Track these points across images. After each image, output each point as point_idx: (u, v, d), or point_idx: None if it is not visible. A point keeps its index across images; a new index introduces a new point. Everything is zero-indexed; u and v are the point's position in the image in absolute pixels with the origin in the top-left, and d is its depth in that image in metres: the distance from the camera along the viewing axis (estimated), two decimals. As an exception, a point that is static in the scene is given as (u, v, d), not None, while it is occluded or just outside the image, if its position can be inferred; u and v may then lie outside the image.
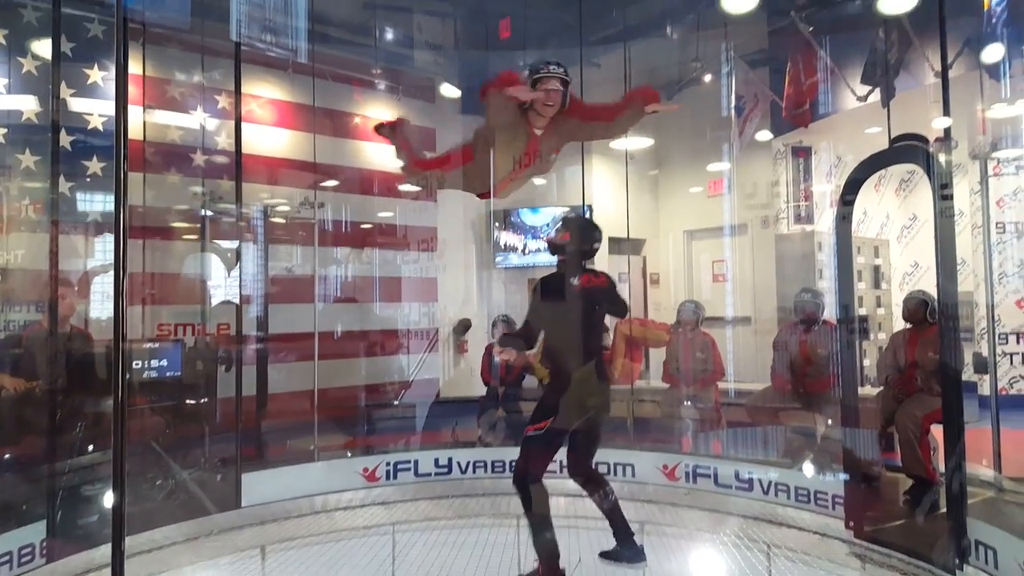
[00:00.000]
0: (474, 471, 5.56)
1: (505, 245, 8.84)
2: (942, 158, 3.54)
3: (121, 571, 1.91)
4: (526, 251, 8.80)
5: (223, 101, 6.56)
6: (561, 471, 5.32)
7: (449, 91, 8.02)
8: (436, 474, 5.51)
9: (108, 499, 4.28)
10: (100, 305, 5.45)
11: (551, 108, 3.22)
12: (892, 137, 3.94)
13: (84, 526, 4.03)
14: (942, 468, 4.15)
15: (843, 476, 4.32)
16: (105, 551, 3.79)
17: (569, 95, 3.29)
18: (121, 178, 1.95)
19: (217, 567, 4.04)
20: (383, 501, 5.20)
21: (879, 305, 8.55)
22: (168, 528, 4.29)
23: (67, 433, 4.20)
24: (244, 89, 5.48)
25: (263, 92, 7.09)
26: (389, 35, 7.44)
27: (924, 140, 3.57)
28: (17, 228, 5.10)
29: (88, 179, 5.70)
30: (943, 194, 3.39)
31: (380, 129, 3.81)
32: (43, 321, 4.40)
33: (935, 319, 4.71)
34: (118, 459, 1.91)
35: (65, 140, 5.20)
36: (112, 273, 5.75)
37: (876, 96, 5.75)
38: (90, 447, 4.41)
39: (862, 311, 8.07)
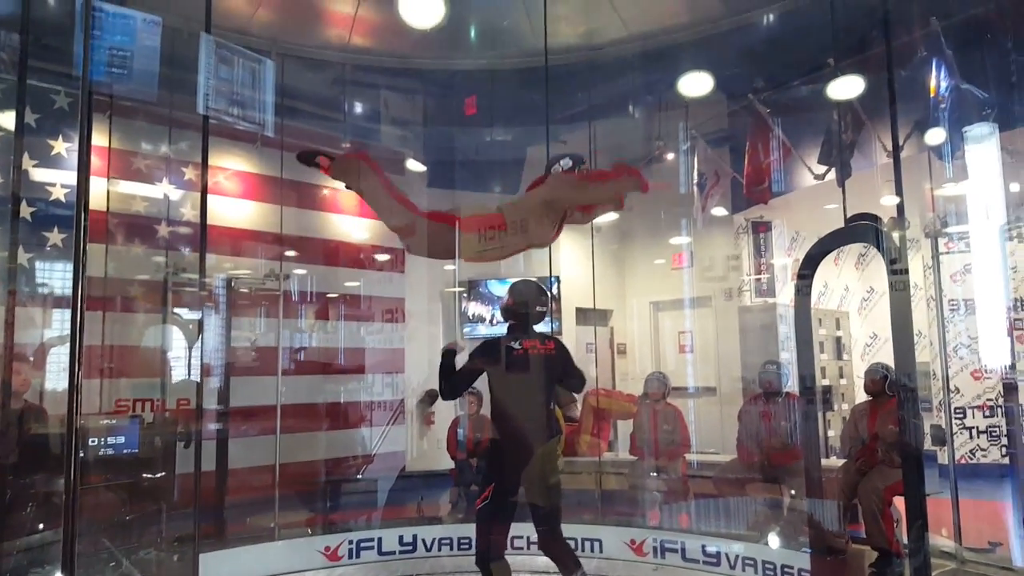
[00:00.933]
0: (439, 549, 5.40)
1: (473, 315, 8.85)
2: (895, 235, 3.66)
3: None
4: (494, 321, 8.81)
5: (189, 173, 6.58)
6: (529, 547, 5.26)
7: (416, 166, 8.15)
8: (400, 552, 5.34)
9: None
10: (56, 377, 5.29)
11: None
12: (847, 217, 4.09)
13: None
14: (905, 539, 4.17)
15: (808, 550, 4.28)
16: None
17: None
18: (80, 249, 1.92)
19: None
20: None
21: (841, 376, 8.68)
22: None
23: (17, 512, 4.04)
24: (211, 161, 5.48)
25: (230, 164, 7.12)
26: (357, 110, 7.58)
27: (876, 219, 3.70)
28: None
29: (48, 249, 5.62)
30: (894, 269, 3.50)
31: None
32: (-4, 397, 4.25)
33: (893, 391, 4.80)
34: (68, 539, 1.80)
35: (25, 211, 5.14)
36: (64, 347, 5.60)
37: (833, 175, 5.99)
38: (40, 526, 4.24)
39: (825, 382, 8.18)
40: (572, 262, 8.43)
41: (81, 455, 4.39)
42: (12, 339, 3.84)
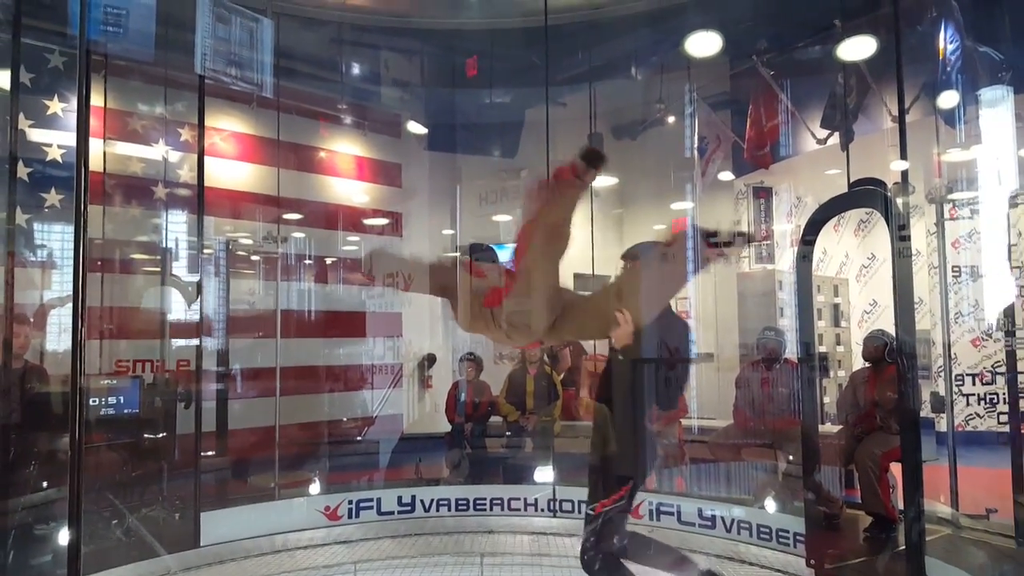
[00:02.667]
0: (437, 509, 5.47)
1: (470, 280, 8.81)
2: (899, 201, 3.63)
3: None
4: (491, 286, 8.78)
5: (186, 134, 6.49)
6: (526, 509, 5.33)
7: (416, 128, 8.06)
8: (399, 512, 5.41)
9: (62, 538, 4.17)
10: (56, 338, 5.30)
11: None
12: (851, 181, 4.05)
13: (37, 566, 3.93)
14: (901, 506, 4.21)
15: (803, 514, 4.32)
16: None
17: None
18: (81, 211, 1.89)
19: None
20: (345, 540, 5.08)
21: (838, 343, 8.70)
22: (124, 568, 4.12)
23: (20, 471, 4.10)
24: (208, 122, 5.42)
25: (226, 125, 7.03)
26: (356, 71, 7.46)
27: (882, 184, 3.67)
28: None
29: (46, 211, 5.57)
30: (901, 235, 3.48)
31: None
32: (-3, 356, 4.27)
33: (893, 358, 4.81)
34: (74, 497, 1.82)
35: (22, 172, 5.08)
36: (69, 307, 5.59)
37: (836, 139, 5.92)
38: (44, 484, 4.29)
39: (822, 349, 8.20)
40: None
41: (84, 415, 4.45)
42: (12, 300, 3.83)
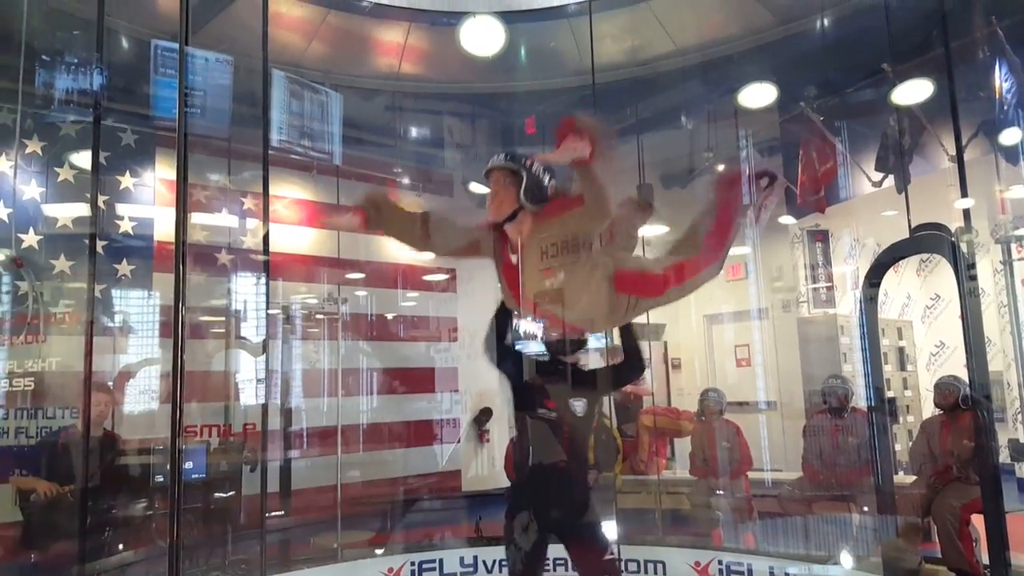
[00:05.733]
0: (500, 570, 5.38)
1: (524, 334, 8.83)
2: (964, 240, 3.56)
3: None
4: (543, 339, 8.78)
5: (248, 203, 6.77)
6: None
7: (476, 188, 8.22)
8: (462, 574, 5.34)
9: None
10: (132, 402, 5.52)
11: (498, 208, 2.65)
12: (913, 227, 3.99)
13: None
14: (985, 559, 4.00)
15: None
16: None
17: (544, 189, 2.63)
18: (181, 285, 2.02)
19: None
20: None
21: (906, 387, 8.40)
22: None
23: (96, 536, 4.21)
24: (270, 190, 5.66)
25: (287, 193, 7.31)
26: (410, 134, 7.72)
27: (944, 229, 3.61)
28: (54, 332, 5.21)
29: (119, 279, 5.84)
30: (969, 275, 3.40)
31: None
32: (77, 425, 4.46)
33: (968, 405, 4.63)
34: (173, 556, 1.92)
35: (98, 244, 5.38)
36: (143, 372, 5.80)
37: (891, 182, 5.85)
38: (120, 547, 4.45)
39: (889, 394, 7.92)
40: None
41: (160, 479, 4.60)
42: (91, 368, 4.00)
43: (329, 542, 5.53)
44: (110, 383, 5.27)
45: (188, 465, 4.50)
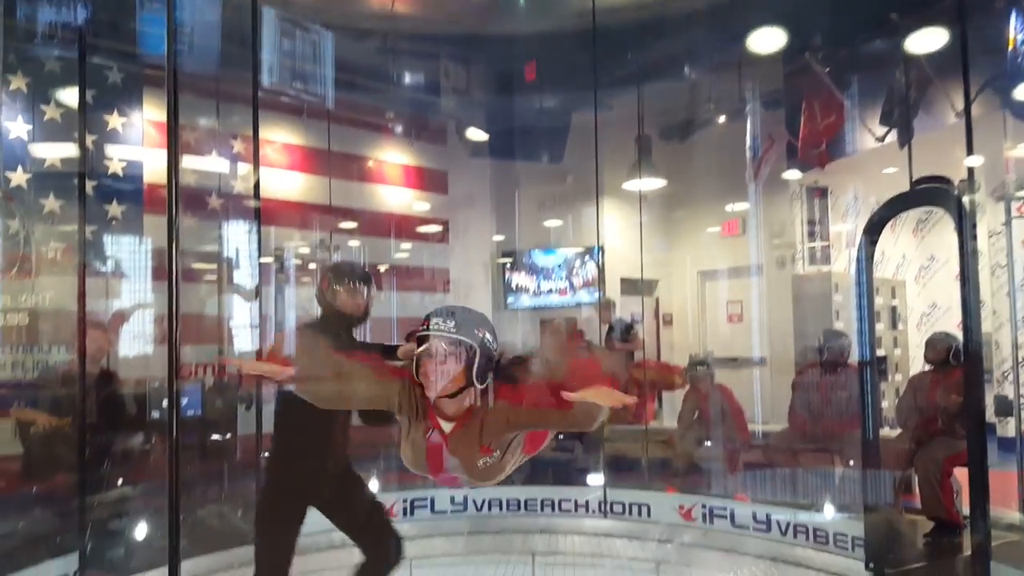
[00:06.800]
0: (489, 509, 5.52)
1: (516, 286, 8.84)
2: (966, 199, 3.52)
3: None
4: (538, 292, 8.79)
5: (238, 146, 6.65)
6: (577, 510, 5.31)
7: (475, 135, 8.08)
8: (452, 511, 5.49)
9: (136, 532, 4.38)
10: (126, 345, 5.54)
11: (442, 385, 2.15)
12: (915, 179, 3.93)
13: (112, 559, 4.16)
14: (965, 511, 4.09)
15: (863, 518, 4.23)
16: None
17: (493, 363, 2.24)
18: (174, 224, 1.98)
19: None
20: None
21: (896, 346, 8.47)
22: (191, 560, 4.20)
23: (95, 469, 4.28)
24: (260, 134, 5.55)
25: (277, 137, 7.18)
26: (402, 79, 7.55)
27: (948, 182, 3.56)
28: (46, 271, 5.17)
29: (110, 222, 5.77)
30: (973, 233, 3.36)
31: None
32: (75, 360, 4.48)
33: (959, 361, 4.66)
34: (174, 490, 1.94)
35: (88, 186, 5.30)
36: (136, 315, 5.79)
37: (895, 137, 5.76)
38: (119, 481, 4.55)
39: (880, 352, 7.99)
40: (619, 232, 8.33)
41: (155, 415, 4.63)
42: (84, 310, 3.99)
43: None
44: (105, 324, 5.27)
45: (184, 402, 4.53)
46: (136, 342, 5.76)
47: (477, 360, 2.18)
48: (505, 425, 2.26)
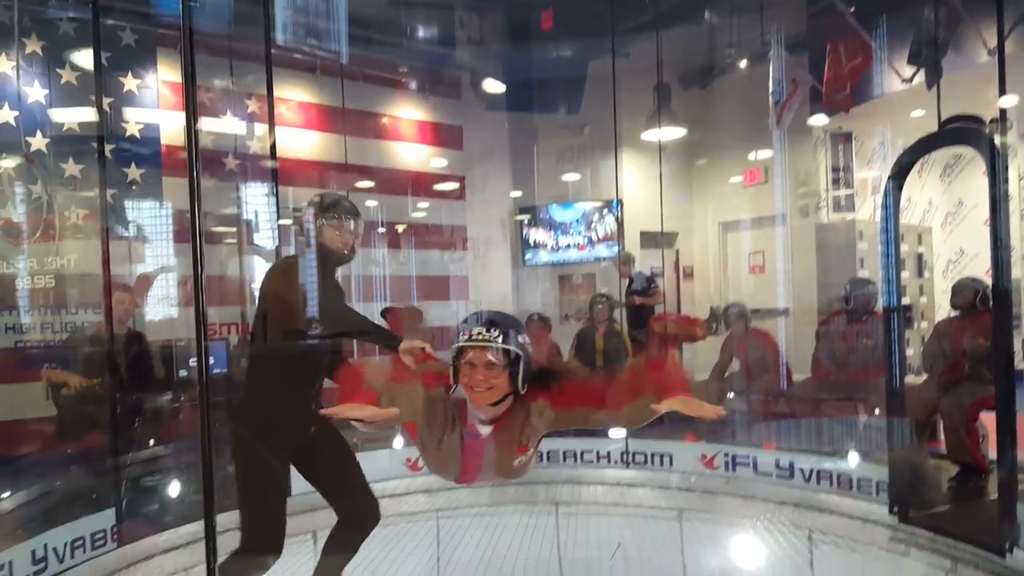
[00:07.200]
0: (513, 459, 5.57)
1: (534, 242, 8.81)
2: (998, 139, 3.41)
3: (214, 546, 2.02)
4: (556, 248, 8.75)
5: (252, 105, 6.62)
6: (599, 460, 5.38)
7: (492, 86, 7.94)
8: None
9: (169, 489, 4.52)
10: (152, 308, 5.66)
11: (488, 395, 2.14)
12: (943, 119, 3.82)
13: (147, 514, 4.28)
14: (991, 455, 4.07)
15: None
16: (169, 536, 3.98)
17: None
18: (195, 186, 1.99)
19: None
20: (426, 489, 5.18)
21: (922, 294, 8.36)
22: (223, 515, 4.33)
23: (126, 429, 4.39)
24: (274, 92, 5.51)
25: (291, 95, 7.13)
26: (413, 32, 7.43)
27: (979, 121, 3.45)
28: (69, 235, 5.23)
29: (129, 185, 5.80)
30: (1004, 176, 3.27)
31: None
32: (102, 323, 4.57)
33: (985, 307, 4.61)
34: (207, 446, 1.97)
35: (106, 148, 5.31)
36: (160, 278, 5.88)
37: (922, 78, 5.59)
38: (151, 442, 4.67)
39: (905, 300, 7.89)
40: (638, 184, 8.23)
41: (183, 374, 4.72)
42: (109, 273, 4.05)
43: (349, 437, 5.69)
44: (132, 287, 5.35)
45: (210, 361, 4.61)
46: (161, 305, 5.85)
47: (522, 368, 2.15)
48: (549, 426, 2.25)
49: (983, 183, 3.44)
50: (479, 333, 2.12)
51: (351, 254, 3.10)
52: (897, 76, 6.02)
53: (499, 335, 2.12)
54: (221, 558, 2.50)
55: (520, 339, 2.18)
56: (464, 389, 2.16)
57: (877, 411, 5.08)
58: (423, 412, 2.26)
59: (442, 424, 2.25)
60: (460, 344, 2.14)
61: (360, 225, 3.12)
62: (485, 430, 2.25)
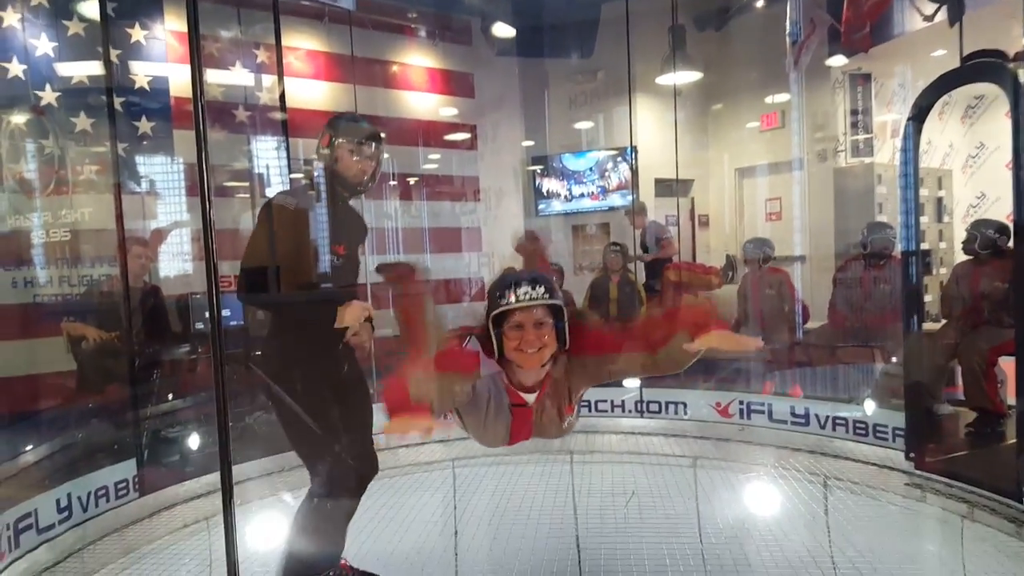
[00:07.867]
0: (528, 409, 5.63)
1: (547, 192, 8.74)
2: (1021, 75, 3.30)
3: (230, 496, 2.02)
4: (570, 198, 8.68)
5: (261, 55, 6.53)
6: (614, 410, 5.42)
7: (502, 31, 7.75)
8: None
9: (189, 440, 4.62)
10: (167, 263, 5.69)
11: (540, 357, 2.03)
12: (964, 55, 3.70)
13: (168, 464, 4.41)
14: (1010, 400, 4.05)
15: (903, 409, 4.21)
16: (190, 485, 4.11)
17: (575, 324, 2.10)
18: (202, 138, 1.99)
19: (295, 498, 4.22)
20: (442, 439, 5.23)
21: (941, 239, 8.24)
22: (243, 465, 4.41)
23: (145, 381, 4.46)
24: (282, 41, 5.43)
25: (300, 44, 7.02)
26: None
27: (1003, 56, 3.33)
28: (83, 190, 5.24)
29: (140, 139, 5.79)
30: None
31: None
32: (118, 277, 4.61)
33: (1006, 248, 4.54)
34: (221, 397, 1.96)
35: (116, 102, 5.27)
36: (175, 233, 5.92)
37: (944, 15, 5.40)
38: (170, 395, 4.76)
39: (924, 245, 7.79)
40: (650, 131, 8.09)
41: (200, 326, 4.77)
42: (123, 227, 4.07)
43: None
44: (147, 241, 5.38)
45: (226, 312, 4.63)
46: (176, 260, 5.88)
47: (566, 321, 2.05)
48: (591, 380, 2.18)
49: (1005, 124, 3.34)
50: (526, 293, 1.99)
51: (370, 182, 2.82)
52: (918, 13, 5.82)
53: (545, 292, 2.01)
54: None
55: (559, 291, 2.08)
56: (512, 355, 2.03)
57: (894, 358, 5.07)
58: (469, 404, 2.17)
59: (486, 403, 2.16)
60: (505, 308, 2.00)
61: (382, 151, 2.83)
62: (530, 397, 2.15)
